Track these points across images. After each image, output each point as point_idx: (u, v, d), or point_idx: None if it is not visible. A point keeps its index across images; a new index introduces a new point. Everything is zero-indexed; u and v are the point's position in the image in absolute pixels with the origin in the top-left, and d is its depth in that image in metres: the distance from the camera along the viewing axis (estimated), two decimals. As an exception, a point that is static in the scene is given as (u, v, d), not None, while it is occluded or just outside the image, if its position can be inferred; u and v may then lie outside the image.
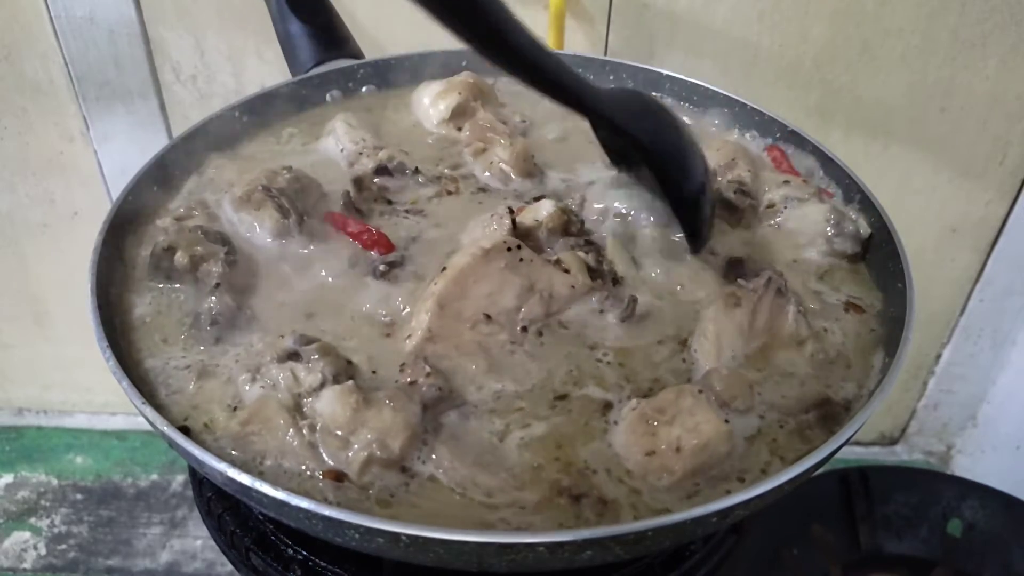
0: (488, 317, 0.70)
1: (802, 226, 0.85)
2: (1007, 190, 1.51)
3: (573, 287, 0.74)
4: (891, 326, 0.75)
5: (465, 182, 0.90)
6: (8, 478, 1.82)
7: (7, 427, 1.91)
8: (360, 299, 0.75)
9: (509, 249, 0.72)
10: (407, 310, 0.73)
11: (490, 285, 0.71)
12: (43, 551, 1.69)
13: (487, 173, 0.90)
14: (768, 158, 0.95)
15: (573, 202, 0.84)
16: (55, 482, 1.81)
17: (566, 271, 0.74)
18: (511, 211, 0.78)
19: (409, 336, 0.70)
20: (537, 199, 0.84)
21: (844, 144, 1.44)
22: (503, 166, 0.90)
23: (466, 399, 0.66)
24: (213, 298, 0.72)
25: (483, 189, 0.89)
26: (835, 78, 1.38)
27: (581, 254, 0.76)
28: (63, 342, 1.78)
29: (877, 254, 0.83)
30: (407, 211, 0.85)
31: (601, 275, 0.76)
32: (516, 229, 0.76)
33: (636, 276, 0.78)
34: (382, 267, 0.77)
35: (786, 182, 0.89)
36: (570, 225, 0.79)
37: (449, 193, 0.87)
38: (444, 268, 0.72)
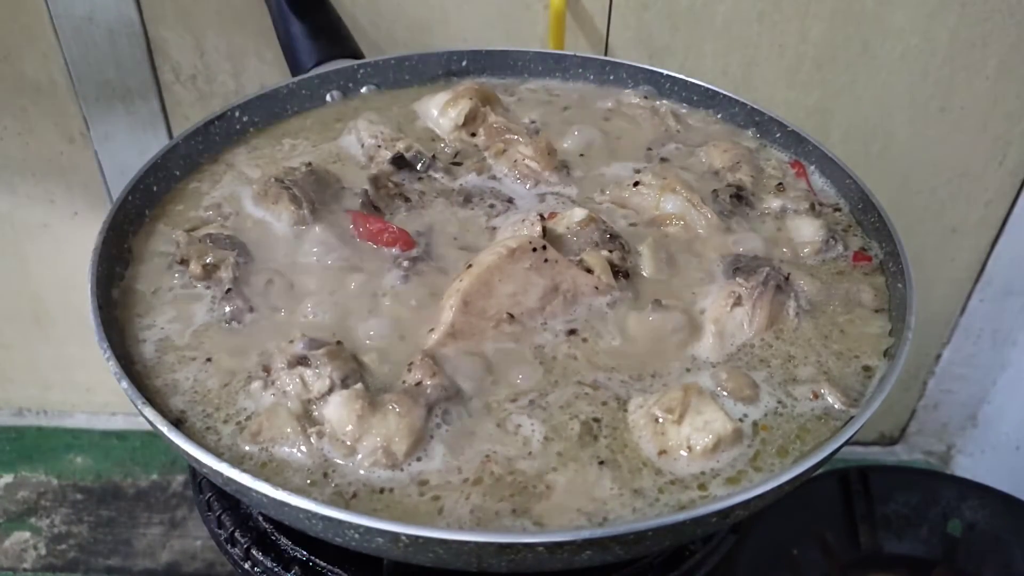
0: (511, 316, 0.71)
1: (797, 236, 0.85)
2: (1007, 190, 1.51)
3: (596, 288, 0.74)
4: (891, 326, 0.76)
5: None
6: (8, 478, 1.82)
7: (7, 427, 1.91)
8: (379, 294, 0.75)
9: (535, 249, 0.73)
10: (427, 305, 0.73)
11: (515, 285, 0.72)
12: (43, 551, 1.69)
13: (513, 172, 0.90)
14: (792, 172, 0.95)
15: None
16: (55, 482, 1.81)
17: (589, 271, 0.75)
18: (542, 217, 0.79)
19: (432, 330, 0.70)
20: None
21: (844, 144, 1.44)
22: (529, 162, 0.90)
23: (475, 399, 0.67)
24: (226, 305, 0.73)
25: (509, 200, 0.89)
26: (835, 78, 1.37)
27: (605, 252, 0.77)
28: (63, 342, 1.78)
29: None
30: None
31: (625, 273, 0.76)
32: (546, 236, 0.77)
33: (656, 278, 0.78)
34: (405, 263, 0.77)
35: (782, 191, 0.89)
36: (602, 233, 0.80)
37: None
38: (470, 265, 0.73)
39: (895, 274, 0.78)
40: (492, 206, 0.86)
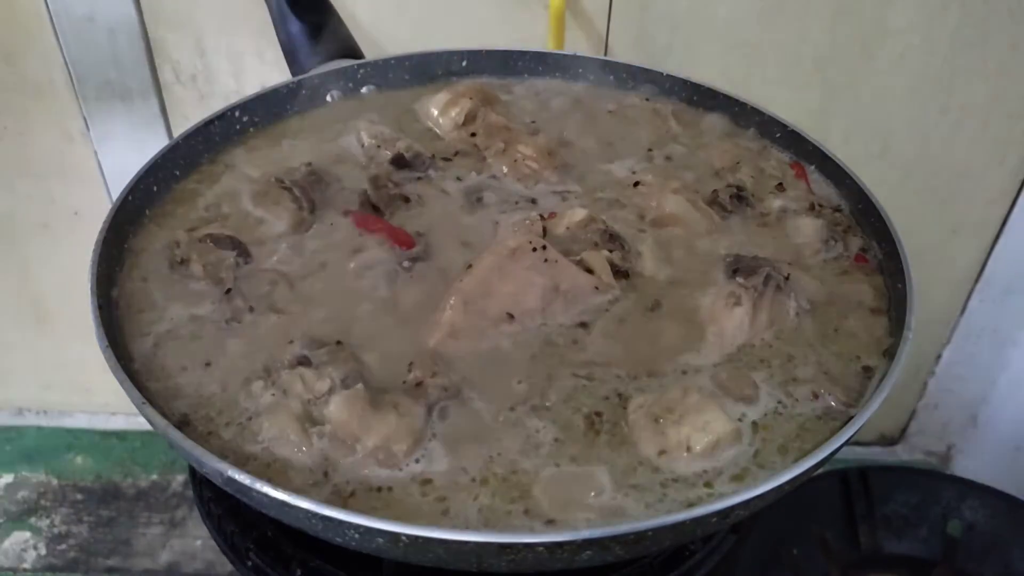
0: (511, 317, 0.71)
1: (797, 236, 0.85)
2: (1007, 190, 1.51)
3: (596, 288, 0.74)
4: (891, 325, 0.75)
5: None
6: (8, 478, 1.82)
7: (7, 427, 1.91)
8: (378, 294, 0.75)
9: (535, 249, 0.73)
10: (427, 305, 0.73)
11: (515, 285, 0.72)
12: (43, 551, 1.69)
13: (513, 172, 0.90)
14: (792, 173, 0.94)
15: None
16: (55, 482, 1.81)
17: (589, 271, 0.75)
18: (542, 217, 0.79)
19: (431, 331, 0.70)
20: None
21: (844, 144, 1.44)
22: (529, 162, 0.90)
23: (475, 398, 0.67)
24: (226, 305, 0.73)
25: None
26: (835, 78, 1.37)
27: (605, 252, 0.77)
28: (63, 342, 1.78)
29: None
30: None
31: (625, 273, 0.77)
32: (546, 235, 0.77)
33: (656, 277, 0.78)
34: (405, 263, 0.77)
35: (782, 191, 0.89)
36: (602, 233, 0.80)
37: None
38: (470, 265, 0.73)
39: (895, 274, 0.78)
40: (505, 202, 0.86)
